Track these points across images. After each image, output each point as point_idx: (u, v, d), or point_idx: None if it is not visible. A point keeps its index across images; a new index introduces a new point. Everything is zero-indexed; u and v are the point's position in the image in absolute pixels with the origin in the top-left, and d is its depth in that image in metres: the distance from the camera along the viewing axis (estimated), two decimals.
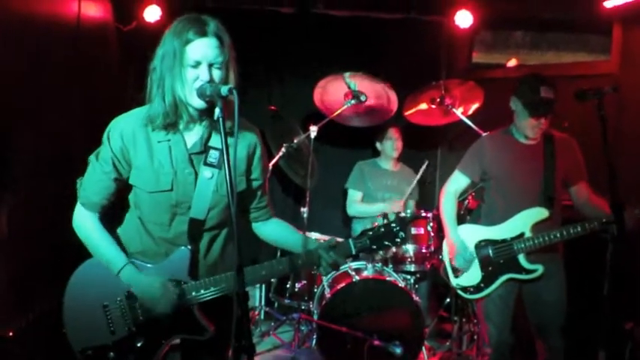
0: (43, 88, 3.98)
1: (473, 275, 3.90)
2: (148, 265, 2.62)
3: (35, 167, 3.88)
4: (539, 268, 3.75)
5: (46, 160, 4.00)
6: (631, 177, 4.24)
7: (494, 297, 3.86)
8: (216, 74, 2.42)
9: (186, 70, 2.41)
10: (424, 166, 5.57)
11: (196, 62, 2.40)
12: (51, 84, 4.10)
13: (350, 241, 2.70)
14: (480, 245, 3.88)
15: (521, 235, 3.78)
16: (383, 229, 2.72)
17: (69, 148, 4.33)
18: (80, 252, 2.63)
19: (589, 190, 3.87)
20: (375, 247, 2.71)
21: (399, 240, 2.73)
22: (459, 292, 3.98)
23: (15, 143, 3.65)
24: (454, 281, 3.97)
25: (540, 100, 3.68)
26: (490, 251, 3.84)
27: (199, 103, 2.42)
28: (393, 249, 4.91)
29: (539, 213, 3.76)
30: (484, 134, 4.30)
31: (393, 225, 2.73)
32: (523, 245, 3.75)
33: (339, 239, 2.74)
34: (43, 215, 3.92)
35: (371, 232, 2.72)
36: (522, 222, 3.79)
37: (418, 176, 5.63)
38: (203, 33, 2.40)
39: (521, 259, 3.78)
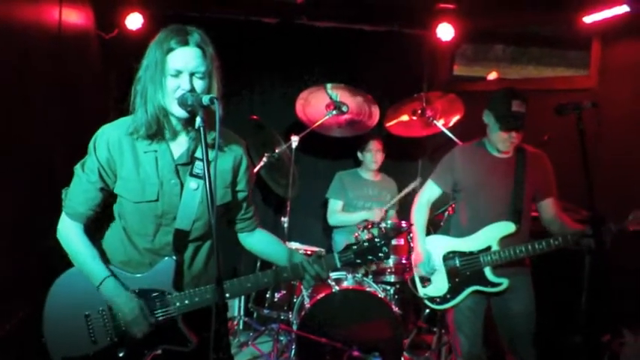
0: (23, 95, 3.95)
1: (440, 286, 3.94)
2: (137, 275, 2.62)
3: (16, 176, 3.84)
4: (505, 282, 3.79)
5: (27, 169, 3.97)
6: (608, 190, 4.29)
7: (464, 308, 3.90)
8: (198, 84, 2.42)
9: (168, 79, 2.41)
10: (414, 184, 5.59)
11: (177, 71, 2.40)
12: (32, 91, 4.07)
13: (335, 255, 2.73)
14: (448, 256, 3.92)
15: (489, 248, 3.82)
16: (367, 244, 2.76)
17: (51, 156, 4.30)
18: (62, 260, 2.61)
19: (557, 207, 3.91)
20: (359, 261, 2.75)
21: (382, 255, 2.77)
22: (426, 302, 4.01)
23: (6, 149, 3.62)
24: (422, 291, 4.01)
25: (511, 114, 3.72)
26: (457, 263, 3.88)
27: (181, 113, 2.43)
28: (374, 264, 4.93)
29: (507, 227, 3.80)
30: (457, 146, 4.31)
31: (377, 240, 2.77)
32: (489, 258, 3.78)
33: (322, 250, 2.76)
34: (25, 224, 3.89)
35: (355, 247, 2.76)
36: (490, 235, 3.83)
37: (404, 192, 5.66)
38: (185, 42, 2.41)
39: (488, 272, 3.81)
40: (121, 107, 2.59)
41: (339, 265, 2.72)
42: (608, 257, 3.41)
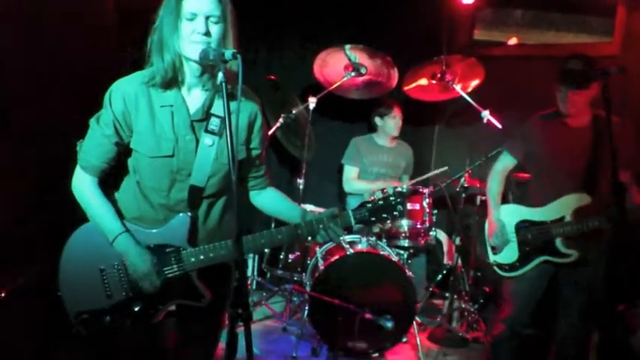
0: (36, 50, 3.91)
1: (510, 254, 3.91)
2: (151, 231, 2.61)
3: (33, 129, 3.83)
4: (574, 254, 3.73)
5: (43, 122, 3.95)
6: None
7: (529, 277, 3.87)
8: (214, 29, 2.41)
9: (183, 23, 2.40)
10: (441, 170, 5.50)
11: (192, 14, 2.38)
12: (44, 45, 4.03)
13: (349, 212, 2.71)
14: (520, 226, 3.89)
15: (561, 219, 3.76)
16: (382, 202, 2.74)
17: (67, 109, 4.27)
18: (78, 215, 2.61)
19: (630, 181, 3.75)
20: (373, 219, 2.73)
21: (397, 213, 2.75)
22: (495, 268, 3.99)
23: (12, 104, 3.59)
24: (492, 258, 3.99)
25: (565, 71, 3.63)
26: (528, 232, 3.85)
27: (196, 57, 2.40)
28: (389, 222, 4.90)
29: (581, 199, 3.72)
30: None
31: (392, 198, 2.75)
32: (561, 229, 3.73)
33: (335, 209, 2.74)
34: (40, 176, 3.88)
35: (370, 205, 2.73)
36: (563, 206, 3.77)
37: (429, 175, 5.55)
38: None
39: (558, 242, 3.76)
40: (137, 57, 2.57)
41: (353, 222, 2.69)
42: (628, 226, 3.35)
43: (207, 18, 2.39)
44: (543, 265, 3.83)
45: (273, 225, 4.99)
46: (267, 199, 2.91)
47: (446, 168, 5.45)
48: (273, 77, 5.57)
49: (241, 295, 2.09)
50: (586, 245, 3.75)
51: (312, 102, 5.15)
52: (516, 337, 3.91)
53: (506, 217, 3.95)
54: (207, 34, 2.39)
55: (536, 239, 3.83)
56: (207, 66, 2.44)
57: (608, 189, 3.40)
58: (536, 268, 3.84)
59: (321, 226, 2.64)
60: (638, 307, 4.20)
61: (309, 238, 2.76)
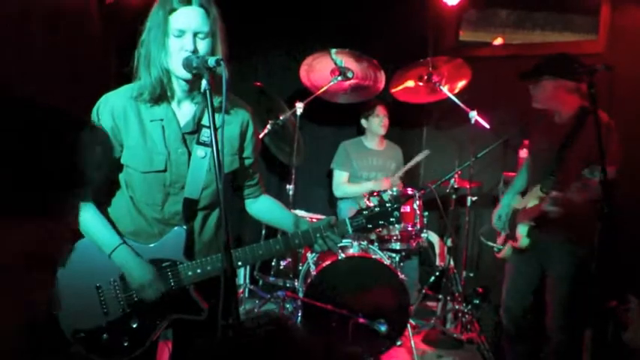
0: (21, 60, 3.87)
1: (500, 237, 4.25)
2: (147, 245, 2.58)
3: None
4: (524, 241, 3.91)
5: None
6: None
7: (512, 262, 4.12)
8: (201, 45, 2.39)
9: (170, 39, 2.38)
10: (423, 155, 5.53)
11: (180, 31, 2.36)
12: (28, 57, 3.99)
13: (347, 220, 2.71)
14: (510, 211, 4.15)
15: (524, 207, 3.94)
16: (378, 209, 2.74)
17: None
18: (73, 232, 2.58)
19: (613, 176, 3.71)
20: (370, 226, 2.73)
21: (393, 219, 2.75)
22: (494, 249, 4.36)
23: None
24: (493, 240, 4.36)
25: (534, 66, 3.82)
26: (509, 219, 4.11)
27: (184, 74, 2.38)
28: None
29: (538, 190, 3.85)
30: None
31: (388, 205, 2.75)
32: (518, 217, 3.97)
33: (332, 217, 2.73)
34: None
35: (366, 212, 2.73)
36: (529, 196, 3.93)
37: (413, 163, 5.59)
38: (187, 2, 2.37)
39: (519, 228, 3.95)
40: (122, 73, 2.55)
41: (350, 230, 2.70)
42: (618, 222, 3.37)
43: (195, 35, 2.37)
44: (525, 253, 3.98)
45: (263, 232, 4.97)
46: (263, 207, 2.90)
47: (427, 152, 5.51)
48: (259, 84, 5.54)
49: (232, 305, 2.07)
50: (537, 233, 3.88)
51: (299, 107, 5.13)
52: (513, 320, 4.10)
53: (511, 203, 4.19)
54: (195, 51, 2.36)
55: (510, 225, 4.07)
56: (196, 80, 2.39)
57: (574, 180, 3.54)
58: (515, 254, 4.07)
59: (318, 235, 2.64)
60: (629, 303, 4.22)
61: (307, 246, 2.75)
